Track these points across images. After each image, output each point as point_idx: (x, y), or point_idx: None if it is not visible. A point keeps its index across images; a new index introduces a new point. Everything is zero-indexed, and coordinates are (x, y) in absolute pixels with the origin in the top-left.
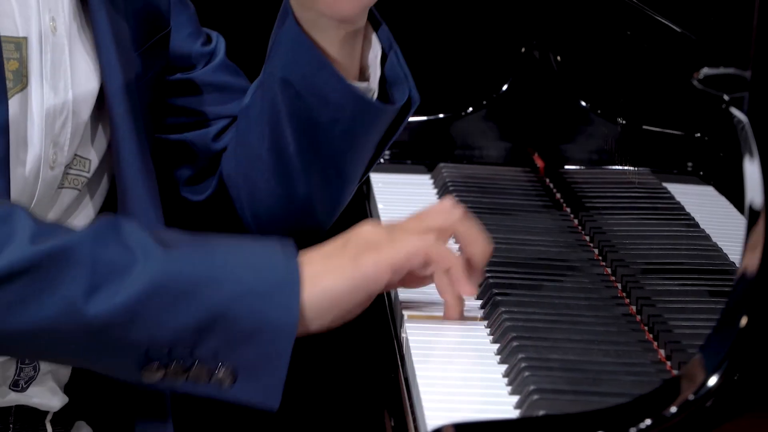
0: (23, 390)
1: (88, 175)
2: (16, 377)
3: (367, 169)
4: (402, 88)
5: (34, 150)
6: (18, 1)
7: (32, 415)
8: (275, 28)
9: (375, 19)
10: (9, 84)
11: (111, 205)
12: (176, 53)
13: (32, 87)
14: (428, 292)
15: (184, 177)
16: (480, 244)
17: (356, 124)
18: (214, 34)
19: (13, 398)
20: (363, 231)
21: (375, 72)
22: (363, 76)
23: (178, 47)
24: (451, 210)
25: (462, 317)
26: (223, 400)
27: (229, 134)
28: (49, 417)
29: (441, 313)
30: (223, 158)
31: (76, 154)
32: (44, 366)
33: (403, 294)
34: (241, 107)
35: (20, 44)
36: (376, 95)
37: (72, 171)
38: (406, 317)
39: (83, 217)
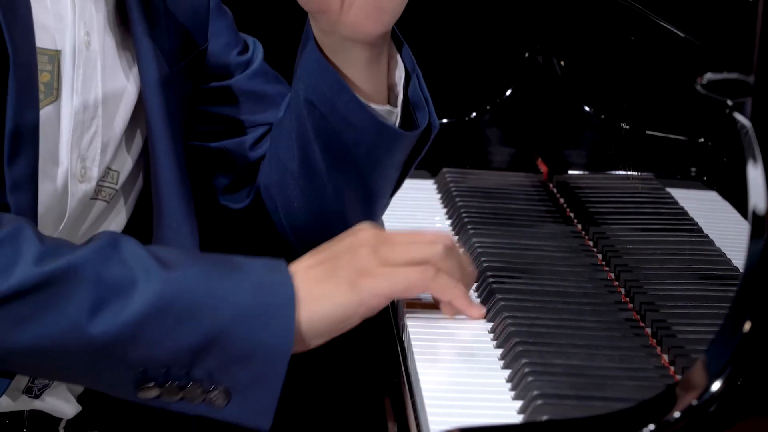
0: (37, 397)
1: (117, 187)
2: (29, 384)
3: (397, 186)
4: (423, 112)
5: (63, 164)
6: (54, 15)
7: (46, 422)
8: (299, 49)
9: (398, 39)
10: (40, 96)
11: (139, 216)
12: (213, 62)
13: (63, 100)
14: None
15: (221, 185)
16: (460, 284)
17: (378, 147)
18: (251, 41)
19: (27, 403)
20: (355, 248)
21: (399, 94)
22: (391, 96)
23: (215, 57)
24: (435, 242)
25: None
26: (215, 419)
27: (267, 143)
28: (62, 424)
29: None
30: (260, 168)
31: (110, 167)
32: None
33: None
34: (276, 120)
35: (53, 57)
36: (399, 117)
37: (102, 184)
38: (407, 319)
39: (113, 229)
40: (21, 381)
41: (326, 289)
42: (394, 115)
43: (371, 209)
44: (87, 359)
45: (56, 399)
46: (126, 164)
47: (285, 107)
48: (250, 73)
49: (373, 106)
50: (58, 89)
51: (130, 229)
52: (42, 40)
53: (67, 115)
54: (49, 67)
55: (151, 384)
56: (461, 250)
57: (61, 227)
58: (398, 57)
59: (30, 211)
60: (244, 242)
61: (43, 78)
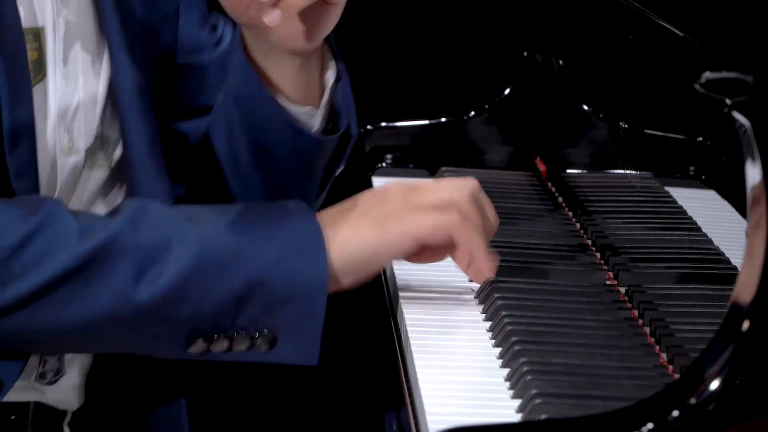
0: (52, 383)
1: (116, 155)
2: (41, 369)
3: (319, 192)
4: (343, 120)
5: (51, 139)
6: None
7: (50, 417)
8: (232, 48)
9: (331, 44)
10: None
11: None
12: (183, 37)
13: (49, 77)
14: (429, 292)
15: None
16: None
17: (294, 150)
18: (221, 20)
19: (38, 392)
20: (384, 196)
21: (325, 98)
22: (322, 99)
23: (186, 32)
24: (461, 187)
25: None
26: (265, 362)
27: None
28: (66, 420)
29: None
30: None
31: (101, 135)
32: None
33: (405, 296)
34: (214, 107)
35: (38, 34)
36: (321, 120)
37: (99, 152)
38: (406, 318)
39: (117, 197)
40: (31, 367)
41: (353, 229)
42: (314, 118)
43: None
44: (137, 327)
45: (62, 387)
46: (117, 131)
47: (221, 98)
48: (219, 53)
49: (294, 108)
50: (45, 66)
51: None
52: (25, 19)
53: (52, 91)
54: (35, 45)
55: (200, 340)
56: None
57: None
58: (332, 62)
59: (34, 193)
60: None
61: (31, 57)
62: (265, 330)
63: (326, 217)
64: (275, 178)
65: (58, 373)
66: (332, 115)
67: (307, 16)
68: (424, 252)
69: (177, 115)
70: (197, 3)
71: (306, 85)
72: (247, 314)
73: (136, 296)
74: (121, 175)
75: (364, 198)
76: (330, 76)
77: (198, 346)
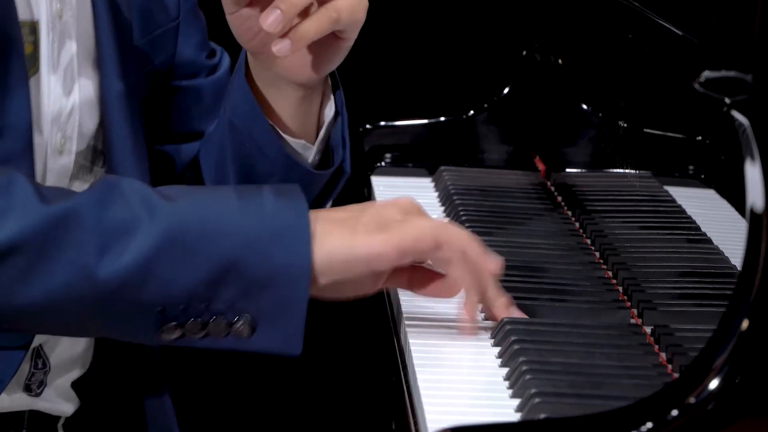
0: (37, 395)
1: (103, 170)
2: (27, 381)
3: None
4: (338, 155)
5: (43, 137)
6: None
7: (44, 421)
8: (234, 72)
9: (334, 79)
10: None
11: None
12: (182, 60)
13: (42, 72)
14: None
15: None
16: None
17: (287, 182)
18: (218, 49)
19: (27, 402)
20: (380, 208)
21: (322, 133)
22: (318, 134)
23: (185, 54)
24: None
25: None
26: (245, 351)
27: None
28: (61, 422)
29: (443, 325)
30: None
31: (93, 146)
32: (54, 369)
33: (404, 296)
34: (207, 133)
35: (34, 27)
36: (313, 155)
37: (85, 163)
38: (405, 319)
39: None
40: (20, 377)
41: (340, 229)
42: (310, 151)
43: None
44: (102, 307)
45: (55, 396)
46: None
47: (215, 123)
48: (215, 79)
49: (290, 139)
50: (39, 59)
51: None
52: (21, 11)
53: (45, 88)
54: (30, 38)
55: (173, 324)
56: None
57: None
58: (332, 96)
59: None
60: None
61: (27, 50)
62: (244, 316)
63: (317, 213)
64: None
65: (41, 385)
66: (326, 150)
67: (316, 48)
68: (423, 279)
69: (166, 138)
70: (198, 28)
71: (304, 118)
72: (223, 298)
73: (98, 272)
74: None
75: (359, 206)
76: (329, 111)
77: (171, 332)
